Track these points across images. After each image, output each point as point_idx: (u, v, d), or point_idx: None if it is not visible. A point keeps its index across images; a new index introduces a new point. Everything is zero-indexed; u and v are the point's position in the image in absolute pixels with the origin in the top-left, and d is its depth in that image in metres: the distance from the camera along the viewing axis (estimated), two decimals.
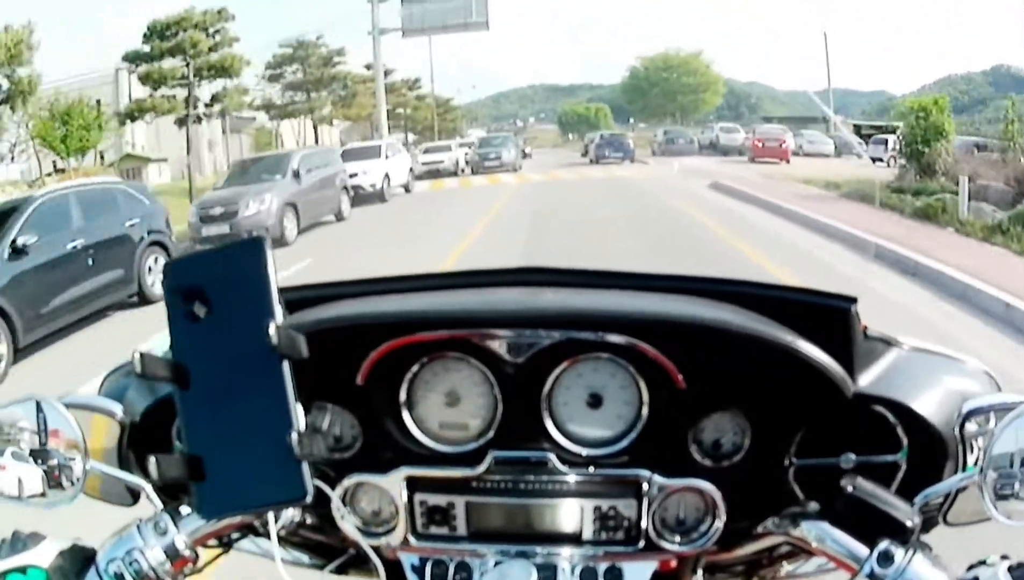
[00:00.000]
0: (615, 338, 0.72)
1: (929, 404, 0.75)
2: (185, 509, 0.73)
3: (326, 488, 0.71)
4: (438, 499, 0.77)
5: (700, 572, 0.81)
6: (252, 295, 0.57)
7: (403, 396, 0.78)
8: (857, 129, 35.11)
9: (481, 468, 0.76)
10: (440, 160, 27.44)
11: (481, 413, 0.78)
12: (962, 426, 0.73)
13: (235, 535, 0.80)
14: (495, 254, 9.37)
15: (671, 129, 40.07)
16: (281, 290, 0.57)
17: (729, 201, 14.66)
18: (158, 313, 0.67)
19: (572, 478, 0.76)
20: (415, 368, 0.78)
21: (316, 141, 40.87)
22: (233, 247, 0.59)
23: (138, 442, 0.84)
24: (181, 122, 26.42)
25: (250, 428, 0.56)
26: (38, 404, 0.76)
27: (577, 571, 0.75)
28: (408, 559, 0.78)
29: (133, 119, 28.43)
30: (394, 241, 11.48)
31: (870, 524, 0.65)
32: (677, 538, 0.76)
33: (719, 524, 0.75)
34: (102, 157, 28.14)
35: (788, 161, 27.12)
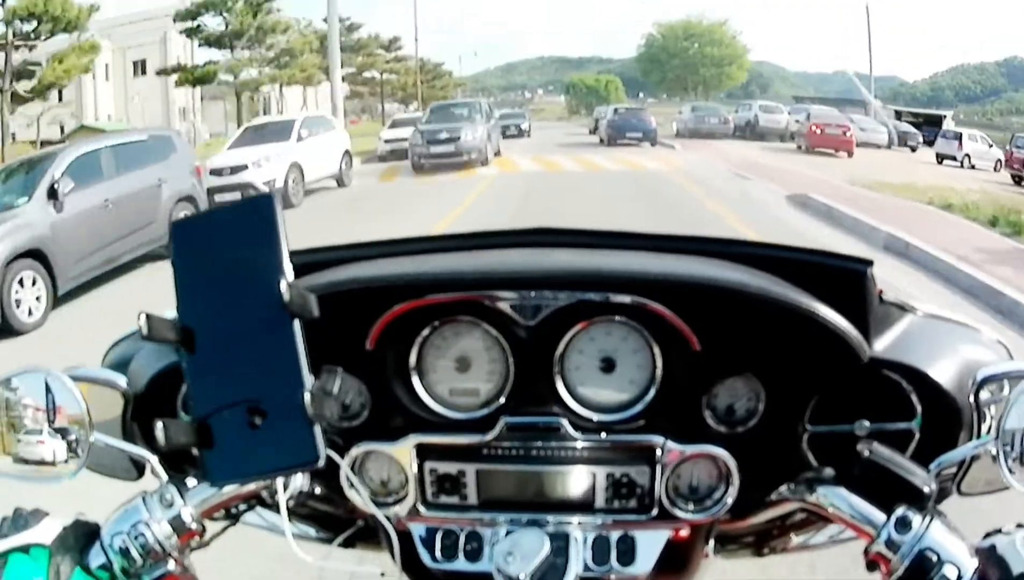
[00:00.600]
0: (628, 299, 0.72)
1: (944, 371, 0.75)
2: (191, 481, 0.73)
3: (335, 456, 0.69)
4: (448, 467, 0.77)
5: (711, 542, 0.80)
6: (262, 253, 0.56)
7: (413, 361, 0.78)
8: (897, 115, 31.23)
9: (492, 435, 0.76)
10: (406, 137, 18.46)
11: (492, 378, 0.78)
12: (976, 394, 0.73)
13: (242, 506, 0.79)
14: None
15: (700, 105, 32.99)
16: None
17: (848, 241, 8.34)
18: None
19: (584, 444, 0.75)
20: (425, 332, 0.77)
21: (265, 112, 33.66)
22: (242, 204, 0.58)
23: (143, 414, 0.83)
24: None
25: (259, 391, 0.56)
26: (41, 376, 0.75)
27: (589, 540, 0.74)
28: (417, 529, 0.77)
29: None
30: None
31: (887, 490, 0.65)
32: (691, 506, 0.76)
33: (733, 491, 0.75)
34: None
35: (851, 153, 21.22)
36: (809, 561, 2.01)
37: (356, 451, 0.77)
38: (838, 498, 0.67)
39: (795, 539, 0.86)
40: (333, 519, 0.85)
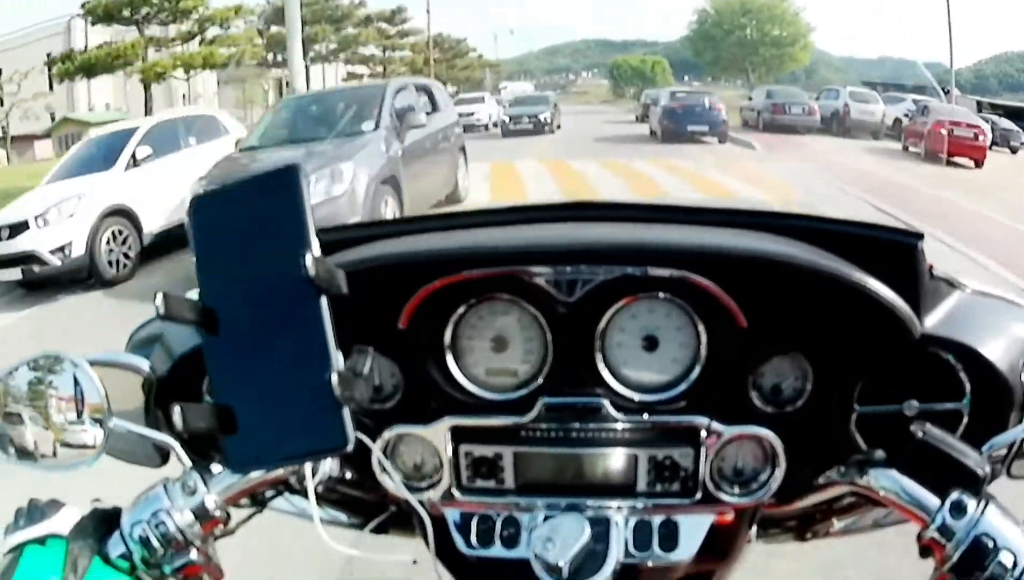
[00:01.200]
0: (672, 273, 0.71)
1: (995, 349, 0.74)
2: (216, 467, 0.73)
3: (367, 440, 0.70)
4: (484, 450, 0.76)
5: (755, 527, 0.79)
6: (286, 228, 0.54)
7: (447, 341, 0.77)
8: (979, 107, 24.93)
9: (530, 416, 0.75)
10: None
11: (530, 358, 0.77)
12: None
13: (269, 493, 0.78)
14: None
15: (777, 90, 26.65)
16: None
17: None
18: None
19: (626, 426, 0.75)
20: (460, 310, 0.76)
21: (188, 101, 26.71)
22: (264, 177, 0.56)
23: (166, 399, 0.82)
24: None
25: (285, 373, 0.54)
26: (60, 361, 0.74)
27: (631, 525, 0.73)
28: (452, 515, 0.77)
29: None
30: None
31: (941, 473, 0.63)
32: (736, 489, 0.75)
33: (779, 474, 0.74)
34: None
35: (981, 163, 16.00)
36: (850, 547, 1.84)
37: (388, 434, 0.77)
38: (891, 481, 0.66)
39: (837, 524, 0.85)
40: (364, 504, 0.85)
